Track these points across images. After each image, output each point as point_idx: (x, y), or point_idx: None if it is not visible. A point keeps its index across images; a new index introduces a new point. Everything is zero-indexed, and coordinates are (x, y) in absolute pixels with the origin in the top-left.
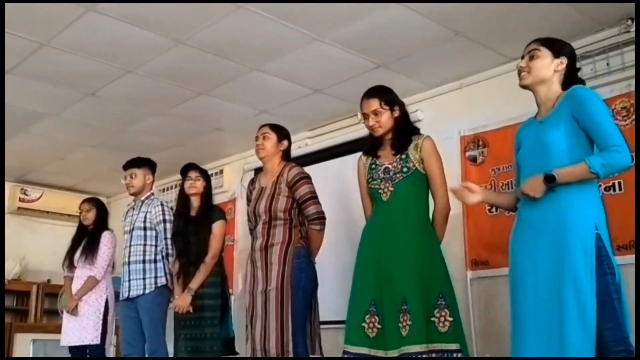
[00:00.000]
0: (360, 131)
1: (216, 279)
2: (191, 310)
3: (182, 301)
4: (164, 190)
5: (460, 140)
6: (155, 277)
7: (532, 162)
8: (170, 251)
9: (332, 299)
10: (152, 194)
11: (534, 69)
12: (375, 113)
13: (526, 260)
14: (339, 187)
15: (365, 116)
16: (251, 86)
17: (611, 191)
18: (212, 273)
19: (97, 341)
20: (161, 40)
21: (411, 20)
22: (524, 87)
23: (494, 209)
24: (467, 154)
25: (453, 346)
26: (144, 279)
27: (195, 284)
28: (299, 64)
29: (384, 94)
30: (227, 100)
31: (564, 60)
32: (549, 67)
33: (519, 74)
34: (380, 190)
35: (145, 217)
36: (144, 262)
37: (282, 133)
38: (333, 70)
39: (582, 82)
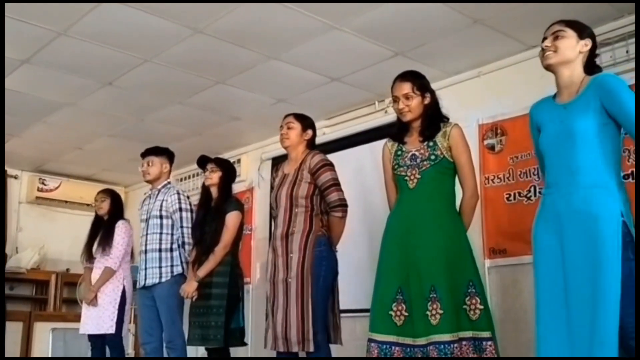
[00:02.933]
0: (379, 119)
1: (225, 269)
2: (195, 297)
3: (187, 286)
4: (181, 179)
5: (479, 129)
6: (172, 265)
7: (557, 151)
8: (186, 240)
9: (349, 288)
10: (169, 182)
11: (560, 49)
12: (407, 97)
13: (553, 247)
14: (356, 176)
15: (395, 99)
16: (269, 75)
17: (630, 179)
18: (222, 262)
19: (112, 330)
20: (179, 29)
21: (429, 7)
22: (548, 67)
23: (512, 198)
24: (485, 142)
25: (484, 334)
26: (160, 267)
27: (202, 271)
28: (317, 53)
29: (417, 79)
30: (244, 89)
31: (588, 42)
32: (574, 47)
33: (543, 54)
34: (406, 177)
35: (161, 206)
36: (160, 250)
37: (306, 122)
38: (351, 58)
39: (600, 69)
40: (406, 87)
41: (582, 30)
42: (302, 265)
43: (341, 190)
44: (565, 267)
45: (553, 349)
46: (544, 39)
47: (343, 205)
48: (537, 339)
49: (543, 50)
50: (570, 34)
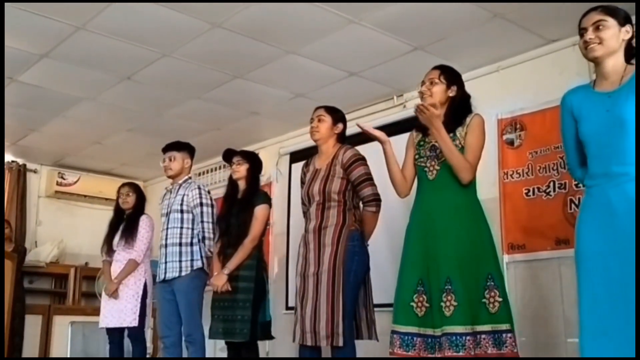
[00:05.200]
0: (397, 114)
1: (252, 262)
2: (228, 289)
3: (217, 280)
4: (200, 174)
5: (498, 124)
6: (192, 259)
7: (605, 140)
8: (207, 234)
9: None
10: (190, 177)
11: (605, 40)
12: (431, 82)
13: (600, 242)
14: (375, 170)
15: (423, 83)
16: (287, 69)
17: None
18: (250, 256)
19: (135, 323)
20: (197, 23)
21: (448, 2)
22: (594, 59)
23: (531, 193)
24: (505, 137)
25: (503, 326)
26: (181, 261)
27: (231, 264)
28: (335, 47)
29: (447, 71)
30: (262, 83)
31: (629, 29)
32: (617, 37)
33: (586, 46)
34: (426, 169)
35: (182, 200)
36: (180, 244)
37: (337, 115)
38: (369, 53)
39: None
40: (434, 73)
41: (622, 17)
42: (334, 259)
43: (374, 185)
44: (620, 260)
45: (602, 350)
46: (582, 28)
47: (377, 199)
48: (582, 338)
49: (586, 42)
50: (611, 23)
